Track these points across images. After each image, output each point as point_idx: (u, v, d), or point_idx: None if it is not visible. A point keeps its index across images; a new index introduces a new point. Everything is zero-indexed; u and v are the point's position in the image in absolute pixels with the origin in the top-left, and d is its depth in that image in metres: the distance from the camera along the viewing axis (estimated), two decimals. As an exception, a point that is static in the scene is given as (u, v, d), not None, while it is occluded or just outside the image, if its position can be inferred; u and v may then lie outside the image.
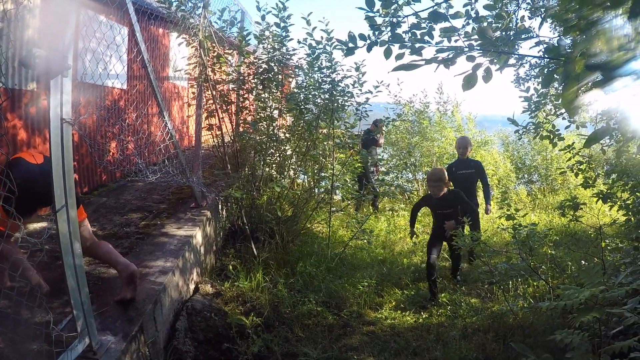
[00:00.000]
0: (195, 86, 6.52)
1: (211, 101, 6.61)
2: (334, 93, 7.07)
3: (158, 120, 7.49)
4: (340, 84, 7.14)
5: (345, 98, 7.26)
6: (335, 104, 7.02)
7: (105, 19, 6.68)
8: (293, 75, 7.67)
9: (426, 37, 2.72)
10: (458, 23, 4.30)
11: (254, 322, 4.61)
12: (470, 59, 2.53)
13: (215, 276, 5.45)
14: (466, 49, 2.52)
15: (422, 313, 5.43)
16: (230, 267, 5.61)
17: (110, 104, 7.34)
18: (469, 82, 2.45)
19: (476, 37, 2.76)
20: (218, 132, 6.73)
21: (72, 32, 2.44)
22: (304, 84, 7.42)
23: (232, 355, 4.16)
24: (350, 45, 2.95)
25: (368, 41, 2.90)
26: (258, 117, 6.91)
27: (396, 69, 2.51)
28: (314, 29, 6.76)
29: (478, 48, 2.56)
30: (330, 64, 7.08)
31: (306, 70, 7.24)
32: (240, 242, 6.30)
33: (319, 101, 7.28)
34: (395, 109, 12.78)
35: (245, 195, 6.08)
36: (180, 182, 5.34)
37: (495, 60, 2.60)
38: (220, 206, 6.38)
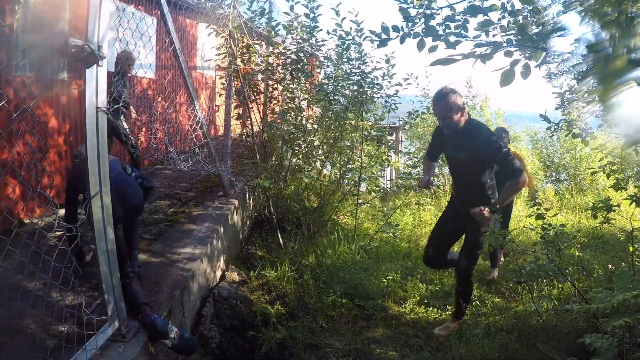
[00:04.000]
0: (224, 76, 6.55)
1: (241, 90, 6.62)
2: (363, 85, 7.05)
3: (186, 110, 7.55)
4: (369, 75, 7.11)
5: (375, 90, 7.23)
6: (364, 96, 6.99)
7: (134, 9, 6.75)
8: (322, 67, 7.64)
9: (461, 31, 2.69)
10: (493, 16, 4.23)
11: (279, 311, 4.64)
12: (508, 54, 2.51)
13: (242, 264, 5.51)
14: (505, 44, 2.49)
15: (446, 309, 5.39)
16: (257, 256, 5.66)
17: (140, 93, 7.42)
18: (506, 78, 2.41)
19: (513, 31, 2.73)
20: (247, 122, 6.75)
21: (107, 22, 2.48)
22: (333, 75, 7.39)
23: (257, 343, 4.20)
24: (384, 36, 2.93)
25: (401, 33, 2.88)
26: (286, 107, 6.93)
27: (434, 63, 2.48)
28: (343, 19, 6.69)
29: (517, 43, 2.53)
30: (359, 55, 7.05)
31: (335, 61, 7.21)
32: (266, 231, 6.35)
33: (347, 92, 7.25)
34: (423, 102, 12.68)
35: (273, 185, 6.10)
36: (210, 170, 5.39)
37: (532, 56, 2.55)
38: (247, 195, 6.42)
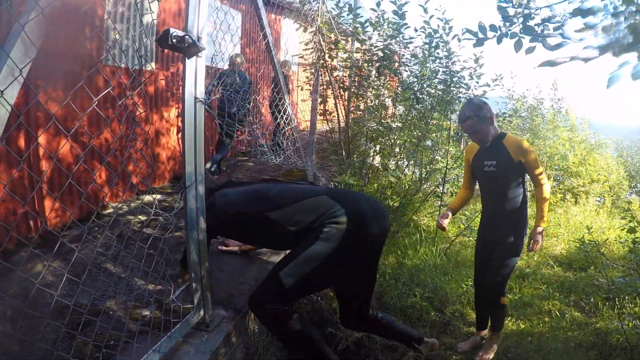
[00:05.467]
0: (311, 71, 6.57)
1: (327, 86, 6.63)
2: (450, 84, 6.90)
3: (269, 104, 7.65)
4: (456, 74, 6.96)
5: (462, 90, 7.06)
6: (451, 95, 6.84)
7: (220, 3, 6.88)
8: (407, 64, 7.50)
9: (561, 32, 2.58)
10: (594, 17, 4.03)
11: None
12: (624, 53, 2.36)
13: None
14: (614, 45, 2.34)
15: (524, 319, 5.19)
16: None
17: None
18: (614, 80, 2.28)
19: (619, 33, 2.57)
20: (333, 118, 6.75)
21: (206, 14, 2.50)
22: (419, 73, 7.26)
23: (334, 340, 4.17)
24: (480, 35, 2.86)
25: (498, 32, 2.80)
26: (372, 104, 6.85)
27: (542, 64, 2.38)
28: (431, 17, 6.60)
29: (629, 45, 2.37)
30: (447, 53, 6.91)
31: (422, 59, 7.07)
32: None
33: (432, 91, 7.12)
34: (507, 104, 12.29)
35: (356, 182, 6.06)
36: (298, 165, 5.40)
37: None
38: (330, 191, 6.41)
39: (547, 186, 3.83)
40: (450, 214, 4.31)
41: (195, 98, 2.52)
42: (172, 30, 2.23)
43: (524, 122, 13.01)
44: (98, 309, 3.21)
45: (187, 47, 2.35)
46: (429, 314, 4.94)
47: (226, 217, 3.02)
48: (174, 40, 2.25)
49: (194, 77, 2.51)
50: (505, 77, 7.27)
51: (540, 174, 3.81)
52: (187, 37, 2.30)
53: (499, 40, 2.84)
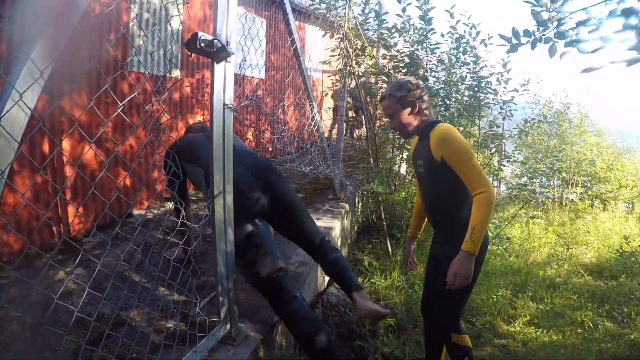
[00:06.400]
0: (336, 78, 6.50)
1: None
2: (477, 90, 6.75)
3: (293, 111, 7.58)
4: (483, 79, 6.81)
5: (489, 95, 6.91)
6: (478, 101, 6.70)
7: (244, 10, 6.84)
8: (435, 70, 7.39)
9: (597, 35, 2.46)
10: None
11: (387, 323, 4.47)
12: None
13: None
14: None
15: (557, 330, 5.03)
16: (366, 263, 5.53)
17: (252, 93, 7.54)
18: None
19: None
20: (361, 125, 6.68)
21: (235, 18, 2.41)
22: (445, 79, 7.13)
23: (363, 353, 4.04)
24: (514, 41, 2.74)
25: (532, 38, 2.68)
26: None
27: (585, 71, 2.25)
28: (457, 22, 6.49)
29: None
30: (474, 58, 6.77)
31: (449, 65, 6.94)
32: (375, 237, 6.21)
33: (459, 97, 6.99)
34: (534, 109, 12.08)
35: (384, 191, 5.97)
36: (325, 173, 5.34)
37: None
38: (356, 199, 6.33)
39: (484, 196, 2.60)
40: (413, 247, 3.54)
41: (224, 105, 2.44)
42: (200, 34, 2.14)
43: (551, 128, 12.80)
44: (121, 320, 3.14)
45: (216, 52, 2.26)
46: (460, 326, 4.81)
47: None
48: (202, 44, 2.16)
49: (223, 83, 2.42)
50: (531, 82, 7.05)
51: (473, 176, 2.66)
52: (216, 41, 2.21)
53: (533, 46, 2.72)
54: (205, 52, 2.21)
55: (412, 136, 3.11)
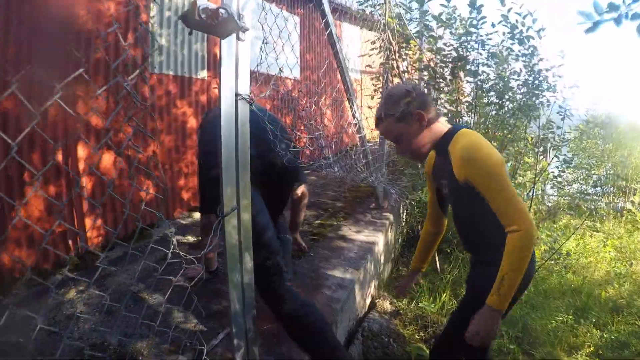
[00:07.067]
0: (377, 76, 6.00)
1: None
2: (532, 86, 6.10)
3: (331, 111, 7.11)
4: (540, 74, 6.15)
5: (545, 92, 6.25)
6: (537, 97, 6.05)
7: (276, 7, 6.39)
8: (489, 63, 6.71)
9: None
10: None
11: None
12: None
13: (392, 289, 4.83)
14: None
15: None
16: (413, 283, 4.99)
17: (284, 94, 7.14)
18: None
19: None
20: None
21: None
22: (499, 73, 6.46)
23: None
24: (596, 17, 2.16)
25: (617, 12, 2.13)
26: (446, 111, 6.13)
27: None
28: (509, 10, 5.78)
29: None
30: (531, 50, 6.09)
31: (501, 58, 6.26)
32: (422, 251, 5.68)
33: (511, 95, 6.33)
34: (588, 110, 11.29)
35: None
36: (367, 180, 4.86)
37: None
38: (401, 209, 5.80)
39: (517, 237, 1.99)
40: (414, 280, 3.11)
41: (237, 95, 1.85)
42: (199, 2, 1.56)
43: (606, 130, 11.96)
44: (126, 352, 2.71)
45: (221, 24, 1.66)
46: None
47: None
48: (203, 15, 1.57)
49: (234, 67, 1.82)
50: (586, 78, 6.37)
51: (505, 207, 2.03)
52: (221, 9, 1.62)
53: (618, 22, 2.15)
54: (207, 26, 1.63)
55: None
